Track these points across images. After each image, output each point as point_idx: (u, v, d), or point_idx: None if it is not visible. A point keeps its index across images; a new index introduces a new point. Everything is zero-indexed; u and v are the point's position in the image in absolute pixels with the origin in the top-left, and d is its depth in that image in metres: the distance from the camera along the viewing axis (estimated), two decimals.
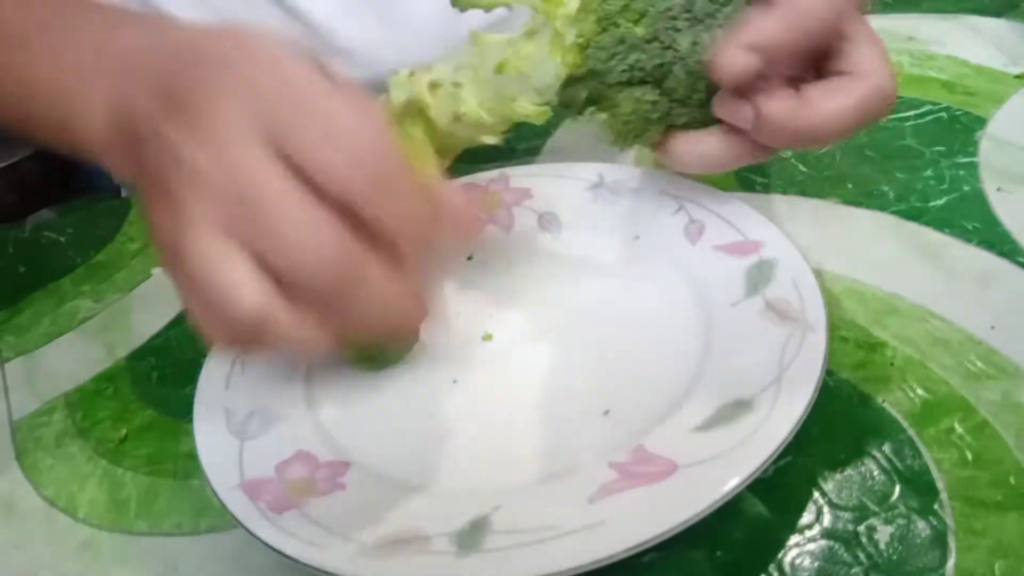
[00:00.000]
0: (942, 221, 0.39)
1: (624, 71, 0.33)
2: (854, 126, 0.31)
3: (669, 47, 0.32)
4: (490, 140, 0.41)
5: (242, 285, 0.25)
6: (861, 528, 0.28)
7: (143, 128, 0.28)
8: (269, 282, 0.25)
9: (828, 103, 0.31)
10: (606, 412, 0.32)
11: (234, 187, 0.25)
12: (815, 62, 0.32)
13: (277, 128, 0.25)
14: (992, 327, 0.34)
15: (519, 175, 0.46)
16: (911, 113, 0.47)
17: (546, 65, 0.35)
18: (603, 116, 0.35)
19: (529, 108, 0.35)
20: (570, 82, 0.34)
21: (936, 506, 0.28)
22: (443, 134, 0.40)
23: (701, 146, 0.34)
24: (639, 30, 0.32)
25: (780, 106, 0.31)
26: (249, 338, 0.26)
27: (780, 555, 0.28)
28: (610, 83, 0.33)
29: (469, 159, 0.51)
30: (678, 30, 0.32)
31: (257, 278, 0.25)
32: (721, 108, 0.33)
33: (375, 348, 0.35)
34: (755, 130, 0.31)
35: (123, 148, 0.30)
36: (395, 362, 0.36)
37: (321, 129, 0.25)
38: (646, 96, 0.33)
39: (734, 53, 0.30)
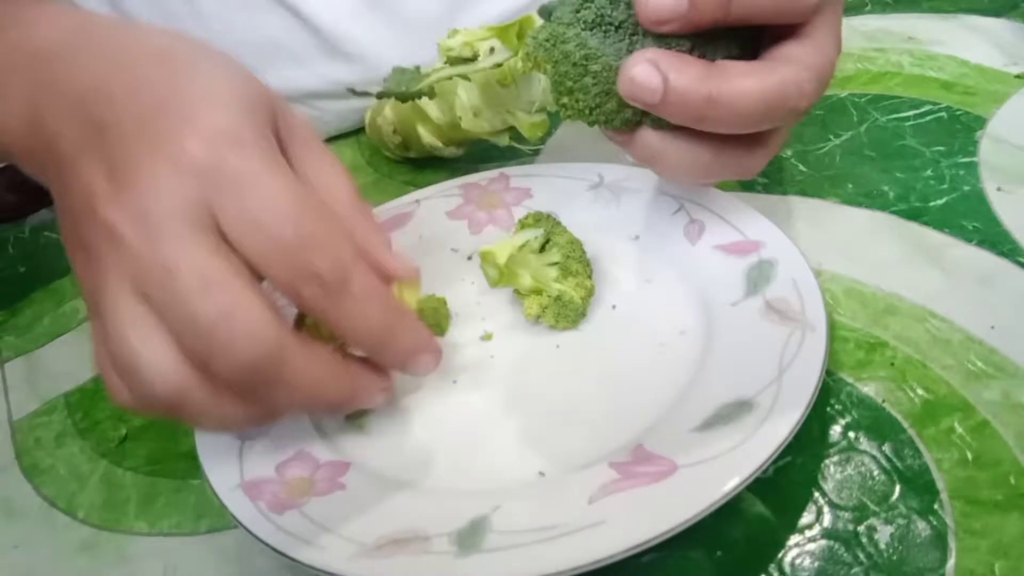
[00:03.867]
0: (942, 221, 0.39)
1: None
2: (764, 112, 0.28)
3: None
4: (497, 141, 0.43)
5: (159, 364, 0.24)
6: (861, 528, 0.28)
7: (64, 149, 0.26)
8: (186, 362, 0.24)
9: (743, 80, 0.27)
10: (605, 413, 0.32)
11: (156, 263, 0.23)
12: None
13: (209, 206, 0.24)
14: (992, 327, 0.34)
15: (519, 175, 0.46)
16: (911, 113, 0.47)
17: (531, 80, 0.35)
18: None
19: (525, 119, 0.36)
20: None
21: (936, 506, 0.28)
22: (448, 127, 0.44)
23: (670, 147, 0.31)
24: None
25: (689, 73, 0.27)
26: (163, 413, 0.25)
27: (780, 555, 0.28)
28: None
29: (469, 159, 0.51)
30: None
31: (174, 357, 0.24)
32: (627, 84, 0.28)
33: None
34: (662, 103, 0.28)
35: (40, 162, 0.28)
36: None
37: (247, 211, 0.24)
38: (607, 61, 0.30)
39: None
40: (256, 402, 0.25)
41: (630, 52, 0.29)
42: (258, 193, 0.24)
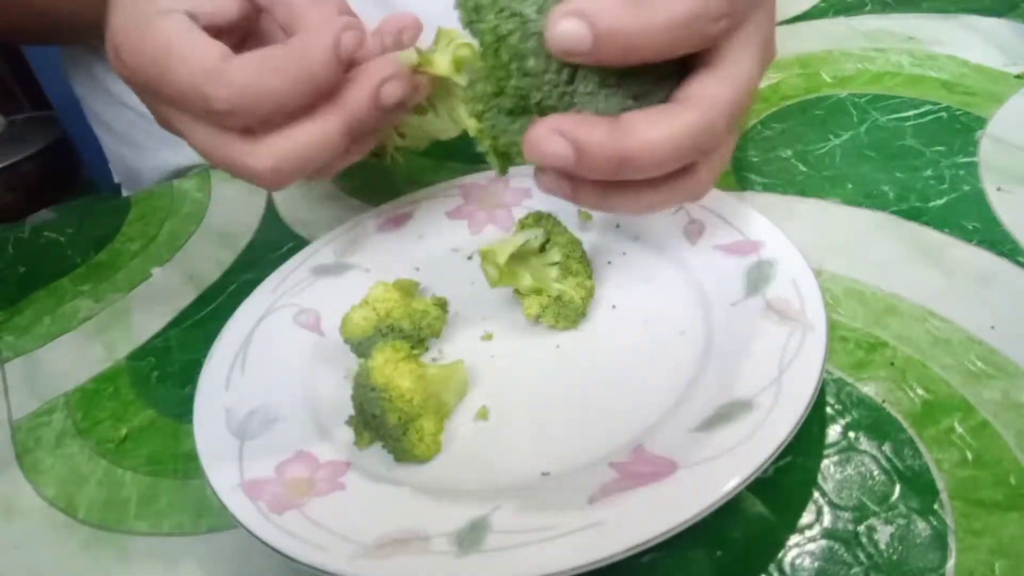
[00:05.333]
0: (942, 221, 0.39)
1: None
2: (677, 158, 0.28)
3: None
4: (444, 136, 0.41)
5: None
6: (861, 528, 0.28)
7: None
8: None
9: (650, 132, 0.28)
10: (605, 413, 0.32)
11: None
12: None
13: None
14: (992, 327, 0.34)
15: (519, 175, 0.46)
16: (911, 113, 0.47)
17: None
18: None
19: (468, 121, 0.34)
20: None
21: (936, 506, 0.28)
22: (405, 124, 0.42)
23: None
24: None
25: (597, 134, 0.27)
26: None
27: (780, 555, 0.28)
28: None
29: (469, 159, 0.51)
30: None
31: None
32: (532, 151, 0.28)
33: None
34: (575, 168, 0.28)
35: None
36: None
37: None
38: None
39: (565, 19, 0.26)
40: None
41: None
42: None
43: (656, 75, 0.29)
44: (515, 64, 0.29)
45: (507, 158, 0.32)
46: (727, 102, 0.29)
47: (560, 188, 0.31)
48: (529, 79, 0.29)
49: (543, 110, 0.29)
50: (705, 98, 0.28)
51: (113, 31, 0.34)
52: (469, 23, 0.30)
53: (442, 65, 0.34)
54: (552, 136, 0.28)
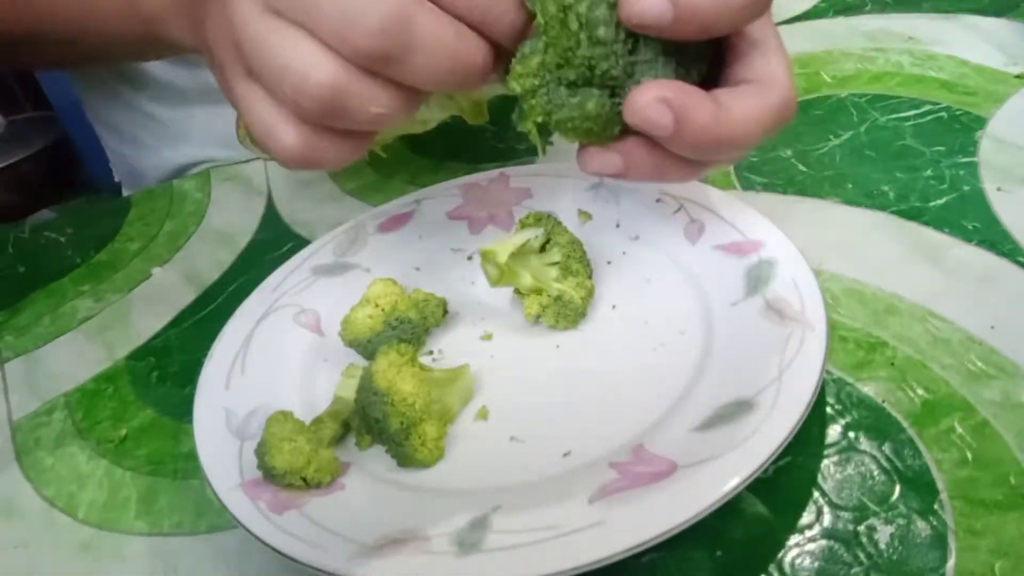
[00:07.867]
0: (942, 221, 0.39)
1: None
2: (764, 136, 0.28)
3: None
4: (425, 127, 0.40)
5: (312, 57, 0.26)
6: (861, 528, 0.28)
7: None
8: (331, 53, 0.26)
9: (745, 110, 0.28)
10: (605, 413, 0.32)
11: None
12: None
13: None
14: (992, 327, 0.34)
15: (519, 175, 0.46)
16: (911, 113, 0.47)
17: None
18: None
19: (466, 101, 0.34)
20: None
21: (936, 506, 0.28)
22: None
23: (619, 156, 0.30)
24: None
25: (703, 112, 0.27)
26: (325, 114, 0.27)
27: (780, 555, 0.28)
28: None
29: (469, 159, 0.51)
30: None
31: (319, 49, 0.26)
32: (636, 113, 0.27)
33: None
34: (673, 138, 0.27)
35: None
36: None
37: None
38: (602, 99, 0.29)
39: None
40: (401, 74, 0.27)
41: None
42: None
43: (700, 46, 0.29)
44: (585, 33, 0.28)
45: (547, 135, 0.31)
46: (789, 75, 0.29)
47: (610, 164, 0.30)
48: (599, 48, 0.28)
49: (606, 81, 0.29)
50: (774, 76, 0.29)
51: None
52: None
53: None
54: (656, 105, 0.27)
